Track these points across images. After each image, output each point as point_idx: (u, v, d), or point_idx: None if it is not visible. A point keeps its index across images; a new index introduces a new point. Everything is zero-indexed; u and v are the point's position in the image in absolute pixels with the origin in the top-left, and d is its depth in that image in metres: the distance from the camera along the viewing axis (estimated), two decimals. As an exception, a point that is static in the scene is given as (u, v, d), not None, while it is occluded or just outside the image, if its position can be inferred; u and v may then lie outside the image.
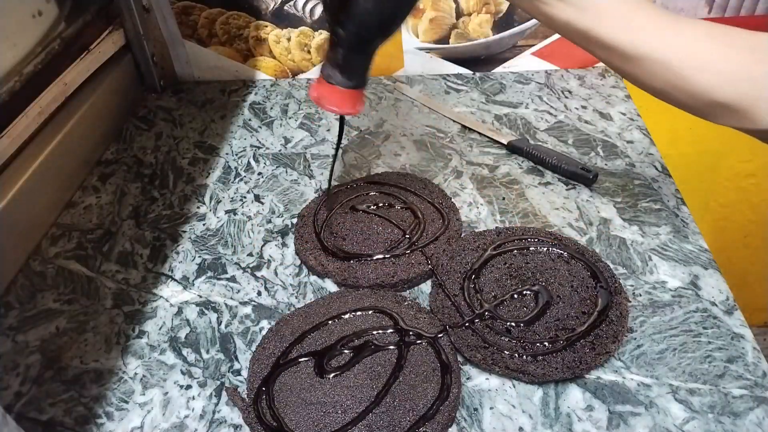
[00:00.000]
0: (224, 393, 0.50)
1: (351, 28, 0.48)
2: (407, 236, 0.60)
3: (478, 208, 0.66)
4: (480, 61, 0.88)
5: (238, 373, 0.52)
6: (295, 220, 0.66)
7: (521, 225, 0.63)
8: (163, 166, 0.75)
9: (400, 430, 0.45)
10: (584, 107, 0.80)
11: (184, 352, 0.54)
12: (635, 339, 0.52)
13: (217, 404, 0.49)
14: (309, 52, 0.88)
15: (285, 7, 0.84)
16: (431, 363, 0.49)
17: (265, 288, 0.59)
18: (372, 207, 0.64)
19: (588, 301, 0.53)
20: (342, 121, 0.58)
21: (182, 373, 0.52)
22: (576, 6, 0.46)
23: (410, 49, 0.87)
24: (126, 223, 0.67)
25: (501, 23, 0.84)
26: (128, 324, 0.56)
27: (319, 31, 0.86)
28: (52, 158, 0.68)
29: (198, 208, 0.69)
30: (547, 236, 0.59)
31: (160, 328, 0.56)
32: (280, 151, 0.77)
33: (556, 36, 0.84)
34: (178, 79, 0.92)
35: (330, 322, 0.53)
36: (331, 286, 0.59)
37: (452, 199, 0.66)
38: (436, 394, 0.47)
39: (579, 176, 0.68)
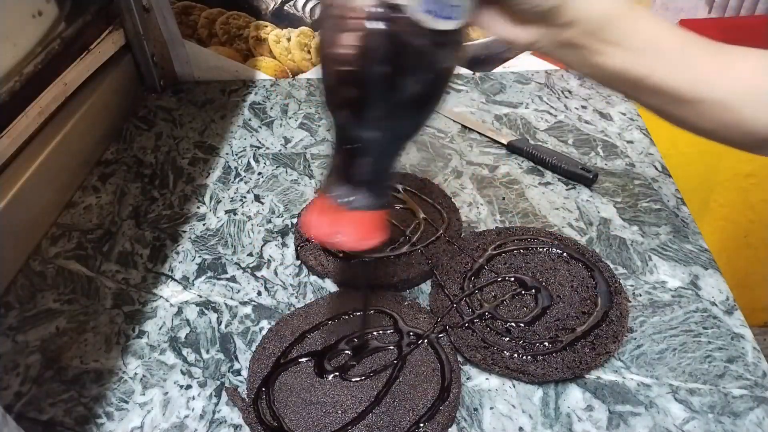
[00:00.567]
0: (224, 393, 0.50)
1: (391, 122, 0.35)
2: (407, 236, 0.60)
3: (478, 208, 0.66)
4: (480, 61, 0.88)
5: (238, 373, 0.52)
6: (295, 220, 0.66)
7: (521, 225, 0.63)
8: (163, 166, 0.75)
9: (400, 430, 0.45)
10: (584, 107, 0.80)
11: (184, 352, 0.54)
12: (635, 339, 0.52)
13: (217, 404, 0.49)
14: (309, 52, 0.88)
15: (285, 7, 0.84)
16: (431, 363, 0.49)
17: (265, 288, 0.59)
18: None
19: (588, 301, 0.53)
20: (368, 265, 0.45)
21: (182, 373, 0.52)
22: (632, 50, 0.40)
23: (410, 49, 0.87)
24: (126, 223, 0.67)
25: (501, 23, 0.84)
26: (128, 324, 0.56)
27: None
28: (52, 158, 0.68)
29: (198, 208, 0.69)
30: (547, 236, 0.59)
31: (160, 328, 0.56)
32: (280, 151, 0.77)
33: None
34: (178, 79, 0.92)
35: (330, 322, 0.53)
36: (331, 286, 0.59)
37: (452, 199, 0.66)
38: (436, 394, 0.47)
39: (579, 176, 0.68)
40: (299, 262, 0.61)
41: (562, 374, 0.48)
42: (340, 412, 0.46)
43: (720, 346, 0.50)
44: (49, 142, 0.68)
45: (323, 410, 0.46)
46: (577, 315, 0.52)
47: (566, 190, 0.68)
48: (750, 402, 0.47)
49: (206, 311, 0.57)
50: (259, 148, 0.78)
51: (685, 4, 0.81)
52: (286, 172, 0.73)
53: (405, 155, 0.74)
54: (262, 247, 0.63)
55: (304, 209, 0.66)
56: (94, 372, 0.53)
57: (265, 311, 0.57)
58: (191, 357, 0.53)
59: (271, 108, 0.85)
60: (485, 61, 0.88)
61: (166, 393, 0.51)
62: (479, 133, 0.77)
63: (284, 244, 0.63)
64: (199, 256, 0.63)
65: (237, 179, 0.73)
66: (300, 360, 0.50)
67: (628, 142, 0.74)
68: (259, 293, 0.58)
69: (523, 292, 0.54)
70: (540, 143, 0.74)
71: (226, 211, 0.68)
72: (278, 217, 0.67)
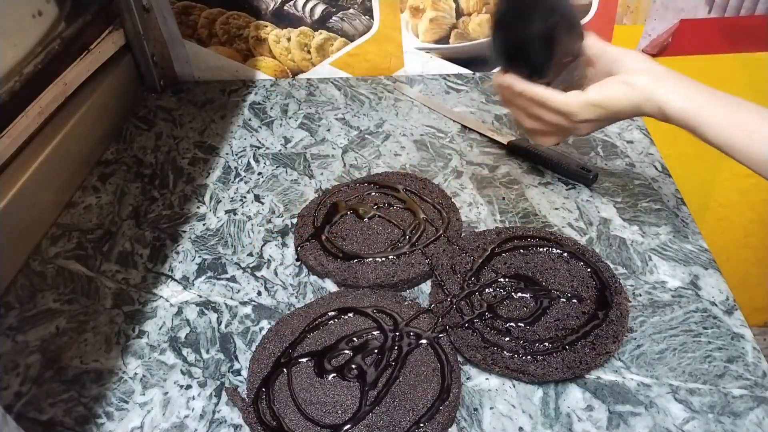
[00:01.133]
0: (224, 393, 0.50)
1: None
2: (407, 236, 0.60)
3: (478, 208, 0.66)
4: (480, 61, 0.88)
5: (238, 373, 0.52)
6: (295, 220, 0.66)
7: (521, 225, 0.63)
8: (163, 166, 0.75)
9: (400, 430, 0.45)
10: (584, 107, 0.80)
11: (184, 352, 0.54)
12: (635, 339, 0.52)
13: (217, 404, 0.49)
14: (309, 52, 0.88)
15: (285, 7, 0.84)
16: (431, 363, 0.49)
17: (265, 288, 0.59)
18: (372, 207, 0.64)
19: (588, 301, 0.53)
20: None
21: (182, 373, 0.52)
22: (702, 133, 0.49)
23: (410, 49, 0.87)
24: (126, 223, 0.67)
25: (501, 23, 0.84)
26: (128, 324, 0.56)
27: (319, 31, 0.86)
28: (52, 158, 0.68)
29: (198, 208, 0.69)
30: (547, 236, 0.59)
31: (160, 328, 0.56)
32: (280, 151, 0.77)
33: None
34: (178, 79, 0.92)
35: (330, 321, 0.53)
36: (331, 286, 0.59)
37: (452, 199, 0.66)
38: (436, 394, 0.47)
39: (579, 176, 0.68)
40: (299, 262, 0.61)
41: (562, 374, 0.48)
42: (340, 411, 0.46)
43: (720, 346, 0.50)
44: (49, 142, 0.68)
45: (323, 410, 0.46)
46: (577, 315, 0.52)
47: (566, 190, 0.68)
48: (750, 402, 0.47)
49: (206, 311, 0.57)
50: (259, 148, 0.78)
51: (686, 4, 0.81)
52: (286, 172, 0.73)
53: (405, 155, 0.74)
54: (262, 247, 0.63)
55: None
56: (94, 372, 0.53)
57: (265, 311, 0.57)
58: (191, 357, 0.53)
59: (271, 108, 0.85)
60: (485, 60, 0.88)
61: (166, 393, 0.51)
62: (479, 133, 0.77)
63: (284, 244, 0.63)
64: (199, 256, 0.63)
65: (237, 179, 0.73)
66: (300, 360, 0.50)
67: (628, 142, 0.74)
68: (259, 293, 0.58)
69: (523, 292, 0.54)
70: (540, 143, 0.74)
71: (226, 211, 0.68)
72: (278, 217, 0.67)
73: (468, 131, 0.78)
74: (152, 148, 0.78)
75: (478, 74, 0.88)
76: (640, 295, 0.55)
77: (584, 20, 0.82)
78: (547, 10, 0.53)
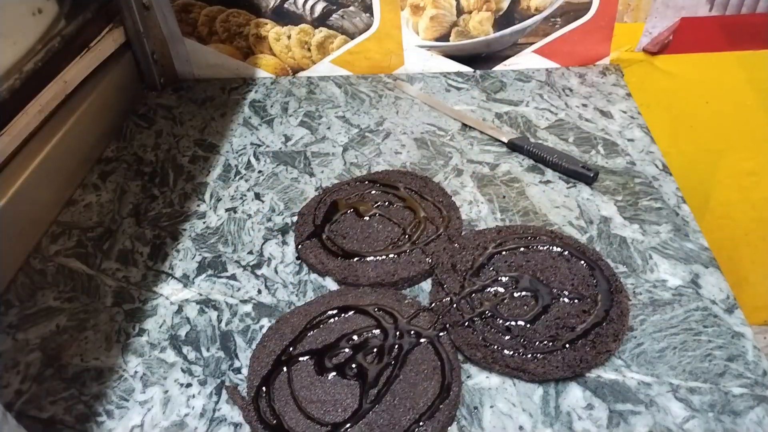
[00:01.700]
0: (224, 391, 0.50)
1: None
2: (407, 234, 0.60)
3: (478, 206, 0.66)
4: (480, 58, 0.88)
5: (238, 371, 0.52)
6: (295, 218, 0.66)
7: (522, 223, 0.63)
8: (163, 164, 0.75)
9: (400, 429, 0.45)
10: (585, 105, 0.80)
11: (185, 350, 0.54)
12: (635, 337, 0.52)
13: (217, 402, 0.49)
14: (309, 49, 0.88)
15: (285, 5, 0.84)
16: (431, 361, 0.49)
17: (266, 286, 0.59)
18: (372, 205, 0.64)
19: (588, 299, 0.53)
20: None
21: (182, 371, 0.52)
22: None
23: (411, 47, 0.87)
24: (126, 221, 0.67)
25: (502, 21, 0.84)
26: (128, 322, 0.56)
27: (320, 28, 0.86)
28: (53, 156, 0.68)
29: (198, 206, 0.69)
30: (548, 234, 0.59)
31: (160, 326, 0.56)
32: (280, 149, 0.77)
33: (557, 34, 0.84)
34: (178, 77, 0.92)
35: (330, 320, 0.53)
36: (331, 285, 0.59)
37: (452, 198, 0.66)
38: (436, 392, 0.47)
39: (579, 174, 0.68)
40: (299, 260, 0.61)
41: (563, 373, 0.48)
42: (340, 410, 0.46)
43: (720, 345, 0.50)
44: (49, 140, 0.68)
45: (323, 408, 0.46)
46: (577, 314, 0.52)
47: (567, 188, 0.68)
48: (750, 401, 0.47)
49: (206, 309, 0.57)
50: (259, 146, 0.77)
51: (686, 1, 0.80)
52: (287, 170, 0.73)
53: (405, 153, 0.74)
54: (262, 245, 0.63)
55: None
56: (94, 370, 0.53)
57: (265, 309, 0.57)
58: (191, 355, 0.53)
59: (272, 106, 0.85)
60: (486, 58, 0.88)
61: (167, 391, 0.51)
62: (480, 131, 0.77)
63: (284, 242, 0.63)
64: (200, 254, 0.63)
65: (237, 177, 0.73)
66: (300, 358, 0.50)
67: (629, 140, 0.74)
68: (260, 291, 0.58)
69: (524, 291, 0.54)
70: (540, 141, 0.74)
71: (227, 209, 0.68)
72: (278, 215, 0.67)
73: (468, 129, 0.78)
74: (152, 146, 0.78)
75: (478, 72, 0.88)
76: (641, 293, 0.55)
77: (584, 18, 0.82)
78: None
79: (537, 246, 0.58)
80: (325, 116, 0.82)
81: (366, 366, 0.49)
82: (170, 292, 0.59)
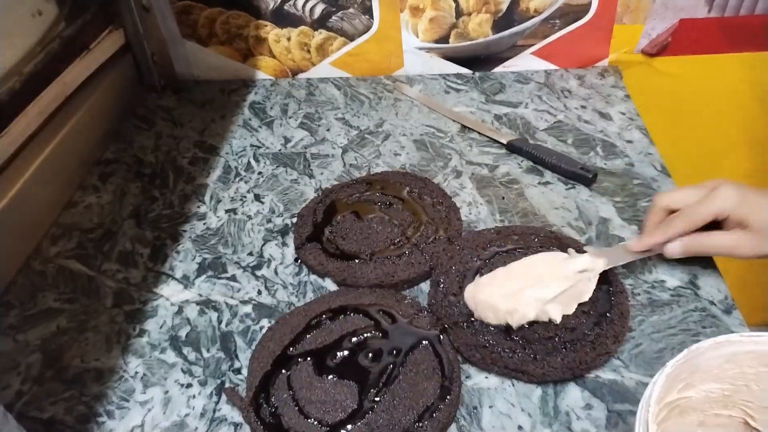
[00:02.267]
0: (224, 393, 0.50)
1: None
2: (407, 236, 0.60)
3: (477, 207, 0.66)
4: (480, 60, 0.88)
5: (238, 371, 0.52)
6: (294, 220, 0.66)
7: (521, 224, 0.63)
8: (163, 165, 0.75)
9: (399, 429, 0.45)
10: (584, 107, 0.80)
11: (185, 350, 0.54)
12: (634, 338, 0.52)
13: (217, 403, 0.50)
14: (309, 51, 0.88)
15: (285, 7, 0.84)
16: (431, 362, 0.49)
17: (266, 287, 0.59)
18: (372, 206, 0.64)
19: (588, 300, 0.53)
20: None
21: (183, 371, 0.52)
22: None
23: (410, 49, 0.87)
24: (126, 223, 0.67)
25: (501, 23, 0.84)
26: (129, 323, 0.56)
27: (319, 30, 0.86)
28: (53, 158, 0.68)
29: (198, 207, 0.69)
30: (547, 235, 0.59)
31: (160, 327, 0.56)
32: (280, 150, 0.77)
33: (556, 35, 0.84)
34: (178, 79, 0.92)
35: (330, 320, 0.53)
36: (331, 286, 0.59)
37: (452, 199, 0.66)
38: (435, 392, 0.47)
39: (578, 176, 0.68)
40: (299, 261, 0.61)
41: (562, 374, 0.48)
42: (339, 410, 0.46)
43: (719, 345, 0.51)
44: (49, 142, 0.68)
45: (323, 409, 0.46)
46: (576, 314, 0.52)
47: (566, 189, 0.68)
48: (748, 401, 0.47)
49: (207, 310, 0.57)
50: (259, 147, 0.78)
51: (685, 3, 0.81)
52: (286, 171, 0.73)
53: (405, 155, 0.74)
54: (262, 246, 0.63)
55: None
56: (94, 371, 0.53)
57: (265, 310, 0.57)
58: (192, 356, 0.53)
59: (271, 107, 0.85)
60: (485, 60, 0.88)
61: (167, 392, 0.51)
62: (479, 132, 0.77)
63: (284, 244, 0.63)
64: (200, 256, 0.63)
65: (237, 179, 0.73)
66: (300, 359, 0.50)
67: (628, 141, 0.74)
68: (260, 292, 0.59)
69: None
70: (539, 143, 0.74)
71: (227, 211, 0.68)
72: (278, 216, 0.67)
73: (468, 131, 0.78)
74: (152, 148, 0.78)
75: (477, 74, 0.89)
76: (639, 294, 0.55)
77: (583, 20, 0.83)
78: None
79: (536, 247, 0.58)
80: (325, 118, 0.82)
81: (365, 366, 0.49)
82: (170, 293, 0.59)
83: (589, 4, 0.81)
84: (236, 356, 0.53)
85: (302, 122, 0.82)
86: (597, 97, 0.82)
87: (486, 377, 0.50)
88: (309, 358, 0.50)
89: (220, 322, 0.56)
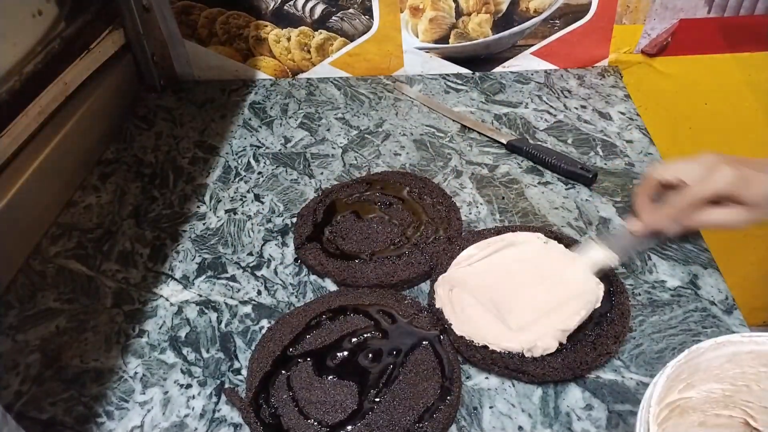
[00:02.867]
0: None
1: None
2: (407, 236, 0.60)
3: (477, 207, 0.66)
4: (479, 60, 0.88)
5: (238, 372, 0.52)
6: (294, 220, 0.66)
7: (521, 224, 0.63)
8: (163, 165, 0.75)
9: (399, 430, 0.45)
10: (584, 107, 0.80)
11: (184, 351, 0.54)
12: (635, 338, 0.52)
13: (217, 403, 0.50)
14: (309, 51, 0.88)
15: (285, 7, 0.84)
16: (431, 362, 0.49)
17: (265, 287, 0.59)
18: (372, 206, 0.64)
19: (587, 300, 0.53)
20: None
21: (182, 372, 0.52)
22: None
23: (410, 49, 0.87)
24: (126, 223, 0.67)
25: (500, 23, 0.84)
26: (128, 323, 0.56)
27: (319, 30, 0.86)
28: (53, 157, 0.68)
29: (198, 207, 0.69)
30: (547, 235, 0.59)
31: (160, 327, 0.56)
32: (280, 150, 0.77)
33: (556, 35, 0.84)
34: (178, 79, 0.92)
35: (329, 321, 0.53)
36: (331, 286, 0.59)
37: (452, 199, 0.66)
38: (435, 393, 0.47)
39: (578, 176, 0.68)
40: (299, 261, 0.61)
41: (562, 374, 0.48)
42: (339, 411, 0.46)
43: (719, 346, 0.50)
44: (49, 142, 0.68)
45: (322, 409, 0.46)
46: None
47: (566, 189, 0.68)
48: (749, 401, 0.47)
49: (206, 310, 0.57)
50: (259, 147, 0.78)
51: (685, 3, 0.81)
52: (286, 171, 0.73)
53: (404, 155, 0.74)
54: (262, 246, 0.63)
55: None
56: (94, 371, 0.53)
57: (265, 310, 0.57)
58: (191, 356, 0.53)
59: (271, 107, 0.85)
60: (485, 60, 0.88)
61: (166, 392, 0.51)
62: (479, 132, 0.77)
63: (284, 244, 0.63)
64: (199, 256, 0.63)
65: (237, 179, 0.73)
66: (299, 359, 0.50)
67: (628, 141, 0.74)
68: (259, 292, 0.58)
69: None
70: (539, 143, 0.74)
71: (226, 211, 0.68)
72: (278, 216, 0.67)
73: (467, 131, 0.78)
74: (152, 148, 0.78)
75: (477, 74, 0.88)
76: (640, 294, 0.55)
77: (583, 20, 0.83)
78: None
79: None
80: (325, 118, 0.82)
81: (365, 367, 0.49)
82: (170, 293, 0.59)
83: (589, 5, 0.81)
84: (236, 356, 0.53)
85: (302, 122, 0.82)
86: (597, 97, 0.82)
87: (486, 377, 0.50)
88: (309, 359, 0.50)
89: (219, 323, 0.56)
